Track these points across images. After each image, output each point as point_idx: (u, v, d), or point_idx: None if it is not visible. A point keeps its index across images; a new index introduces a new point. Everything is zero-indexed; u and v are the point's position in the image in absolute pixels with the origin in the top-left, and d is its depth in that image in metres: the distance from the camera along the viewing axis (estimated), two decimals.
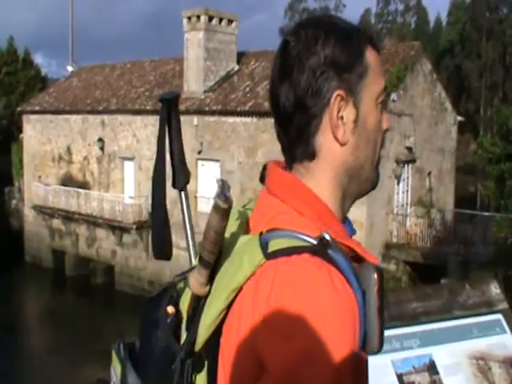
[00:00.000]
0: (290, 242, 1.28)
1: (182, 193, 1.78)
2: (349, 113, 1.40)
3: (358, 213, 23.29)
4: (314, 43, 1.38)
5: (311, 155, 1.43)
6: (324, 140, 1.41)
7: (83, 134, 35.11)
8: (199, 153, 28.75)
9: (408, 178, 26.41)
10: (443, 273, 21.68)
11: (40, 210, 36.54)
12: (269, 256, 1.27)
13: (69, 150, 36.12)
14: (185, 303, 1.47)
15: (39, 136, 38.21)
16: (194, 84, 29.96)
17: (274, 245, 1.29)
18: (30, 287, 34.95)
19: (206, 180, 28.83)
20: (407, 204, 26.29)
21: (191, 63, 30.06)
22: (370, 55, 1.42)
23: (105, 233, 33.21)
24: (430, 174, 28.13)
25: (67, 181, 35.66)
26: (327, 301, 1.20)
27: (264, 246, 1.29)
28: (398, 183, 25.59)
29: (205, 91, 29.46)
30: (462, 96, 73.93)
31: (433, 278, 21.68)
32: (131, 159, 32.16)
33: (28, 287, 34.95)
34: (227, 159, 27.71)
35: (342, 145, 1.41)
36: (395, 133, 24.96)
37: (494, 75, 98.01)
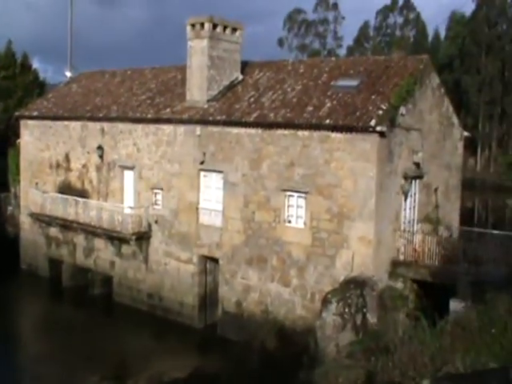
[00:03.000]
0: None
1: None
2: None
3: (365, 229, 22.83)
4: None
5: None
6: None
7: (82, 141, 34.55)
8: (202, 163, 28.20)
9: (415, 193, 25.93)
10: (453, 292, 21.13)
11: (37, 217, 35.93)
12: None
13: (67, 157, 35.55)
14: None
15: (37, 142, 37.64)
16: (197, 93, 29.44)
17: None
18: (26, 296, 34.32)
19: (208, 192, 28.29)
20: (414, 220, 25.79)
21: (194, 71, 29.53)
22: None
23: (103, 243, 32.62)
24: (436, 190, 27.68)
25: (65, 189, 35.09)
26: None
27: None
28: (406, 199, 25.09)
29: (208, 100, 28.94)
30: (460, 111, 73.56)
31: (442, 297, 21.17)
32: (131, 168, 31.61)
33: (24, 296, 34.32)
34: (231, 171, 27.15)
35: None
36: (404, 147, 24.53)
37: (493, 91, 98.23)
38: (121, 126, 32.23)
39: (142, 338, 27.23)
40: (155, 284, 30.53)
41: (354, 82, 25.89)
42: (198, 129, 28.32)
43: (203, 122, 28.22)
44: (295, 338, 23.29)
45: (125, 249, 31.60)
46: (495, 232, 24.14)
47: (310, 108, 25.27)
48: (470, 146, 58.04)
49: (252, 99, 28.00)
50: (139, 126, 31.25)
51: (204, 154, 28.09)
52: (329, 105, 25.00)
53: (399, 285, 23.46)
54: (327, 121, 23.97)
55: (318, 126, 24.19)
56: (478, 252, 22.72)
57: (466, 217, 36.37)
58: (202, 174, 28.58)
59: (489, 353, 13.13)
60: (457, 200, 30.33)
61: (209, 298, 29.29)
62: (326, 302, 22.11)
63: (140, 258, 31.06)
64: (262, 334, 23.86)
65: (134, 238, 30.12)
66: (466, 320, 16.07)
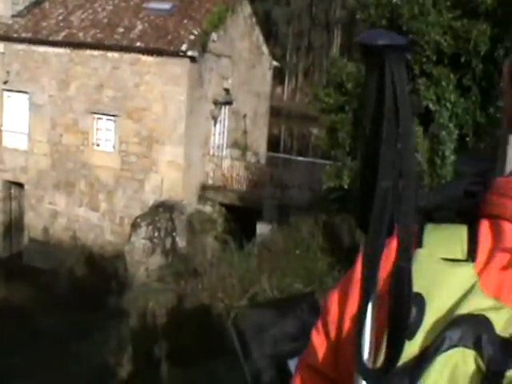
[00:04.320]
0: None
1: None
2: None
3: (175, 153, 22.94)
4: None
5: None
6: None
7: None
8: (5, 83, 26.71)
9: (225, 119, 26.30)
10: (260, 216, 21.91)
11: None
12: None
13: None
14: None
15: None
16: (0, 6, 27.61)
17: None
18: None
19: (12, 113, 26.94)
20: (223, 146, 26.24)
21: None
22: None
23: None
24: (245, 116, 28.23)
25: None
26: None
27: None
28: (215, 124, 25.42)
29: (13, 16, 27.26)
30: (269, 41, 74.88)
31: (249, 221, 21.90)
32: None
33: None
34: (37, 91, 25.98)
35: None
36: (214, 74, 24.71)
37: (301, 24, 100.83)
38: None
39: None
40: None
41: (166, 6, 25.49)
42: (2, 46, 26.71)
43: (7, 38, 26.59)
44: (104, 263, 23.18)
45: None
46: (300, 158, 25.28)
47: (121, 29, 24.64)
48: (278, 76, 59.59)
49: (60, 17, 26.75)
50: None
51: (8, 73, 26.59)
52: (140, 27, 24.51)
53: (208, 209, 23.94)
54: (138, 43, 23.54)
55: (128, 49, 23.70)
56: (284, 177, 23.65)
57: (273, 143, 37.51)
58: (6, 94, 27.07)
59: (293, 273, 13.85)
60: (264, 127, 31.16)
61: (14, 226, 28.20)
62: (135, 226, 22.15)
63: None
64: (71, 261, 23.49)
65: None
66: (271, 242, 16.80)
